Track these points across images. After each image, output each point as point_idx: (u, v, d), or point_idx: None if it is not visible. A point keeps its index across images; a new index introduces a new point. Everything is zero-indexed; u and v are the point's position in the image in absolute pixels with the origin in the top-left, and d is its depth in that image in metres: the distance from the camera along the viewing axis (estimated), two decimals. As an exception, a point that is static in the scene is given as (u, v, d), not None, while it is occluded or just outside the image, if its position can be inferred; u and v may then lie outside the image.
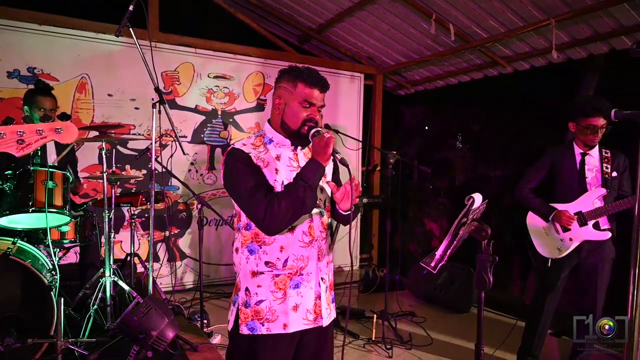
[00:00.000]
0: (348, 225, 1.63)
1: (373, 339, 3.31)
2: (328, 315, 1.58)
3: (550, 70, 4.24)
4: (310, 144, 1.49)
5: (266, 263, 1.48)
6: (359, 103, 5.50)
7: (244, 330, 1.48)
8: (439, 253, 1.36)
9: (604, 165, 2.60)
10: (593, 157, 2.64)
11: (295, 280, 1.49)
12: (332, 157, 1.48)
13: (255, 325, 1.47)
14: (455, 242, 1.35)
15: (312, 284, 1.52)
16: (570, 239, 2.60)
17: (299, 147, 1.57)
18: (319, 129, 1.47)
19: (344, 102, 5.39)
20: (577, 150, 2.65)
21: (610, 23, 3.48)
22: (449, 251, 1.35)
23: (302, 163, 1.53)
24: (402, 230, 5.68)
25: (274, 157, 1.51)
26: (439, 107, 5.93)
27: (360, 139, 5.38)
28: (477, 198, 1.46)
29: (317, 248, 1.53)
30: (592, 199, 2.57)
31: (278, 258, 1.47)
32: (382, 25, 4.51)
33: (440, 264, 1.35)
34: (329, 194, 1.62)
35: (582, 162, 2.64)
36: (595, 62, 4.02)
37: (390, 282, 3.66)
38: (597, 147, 2.64)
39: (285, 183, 1.47)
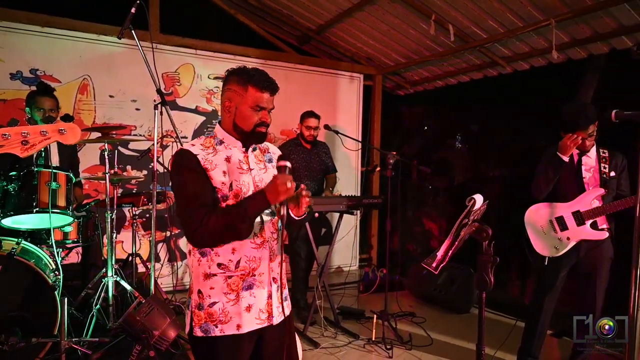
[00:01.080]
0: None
1: (373, 339, 3.32)
2: (279, 314, 1.59)
3: (550, 71, 4.26)
4: (262, 145, 1.59)
5: (218, 265, 1.48)
6: (358, 103, 5.52)
7: (198, 332, 1.49)
8: (440, 254, 1.37)
9: (602, 165, 2.61)
10: (590, 157, 2.66)
11: (248, 281, 1.50)
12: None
13: (209, 327, 1.48)
14: (456, 243, 1.36)
15: (264, 284, 1.53)
16: (568, 238, 2.62)
17: (250, 149, 1.57)
18: (287, 164, 1.43)
19: (344, 103, 5.40)
20: (575, 151, 2.67)
21: (611, 23, 3.49)
22: (451, 252, 1.37)
23: (253, 165, 1.55)
24: (401, 230, 5.70)
25: (223, 158, 1.51)
26: (438, 107, 5.95)
27: (360, 140, 5.40)
28: (478, 199, 1.47)
29: (268, 249, 1.54)
30: (590, 198, 2.59)
31: (230, 260, 1.47)
32: (382, 25, 4.52)
33: (442, 265, 1.37)
34: None
35: (579, 163, 2.66)
36: (595, 62, 4.04)
37: (390, 283, 3.68)
38: (594, 147, 2.66)
39: (234, 185, 1.47)
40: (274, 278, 1.57)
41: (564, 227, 2.64)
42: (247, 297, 1.50)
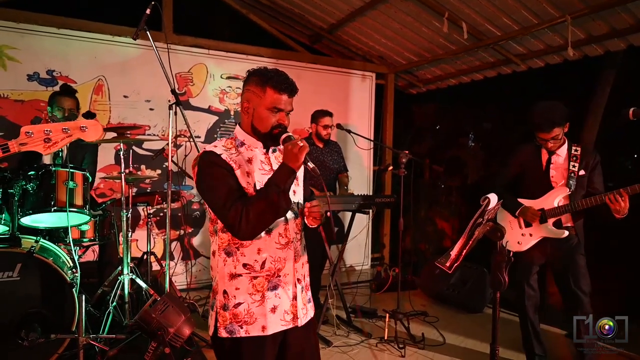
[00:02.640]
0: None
1: (385, 338, 3.32)
2: (304, 315, 1.59)
3: (566, 68, 4.19)
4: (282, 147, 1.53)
5: (244, 265, 1.48)
6: (370, 102, 5.50)
7: (223, 333, 1.48)
8: (454, 253, 1.37)
9: (572, 163, 2.60)
10: (560, 156, 2.65)
11: (273, 282, 1.50)
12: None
13: (234, 328, 1.47)
14: (470, 242, 1.36)
15: (289, 285, 1.53)
16: (530, 235, 2.66)
17: (271, 150, 1.58)
18: (290, 134, 1.45)
19: (356, 102, 5.39)
20: (545, 150, 2.67)
21: (628, 19, 3.42)
22: (464, 251, 1.36)
23: (275, 166, 1.54)
24: (413, 229, 5.67)
25: (246, 159, 1.51)
26: (451, 105, 5.90)
27: (372, 139, 5.38)
28: (493, 198, 1.46)
29: (293, 249, 1.54)
30: (554, 197, 2.59)
31: (256, 260, 1.48)
32: (394, 24, 4.50)
33: (456, 264, 1.36)
34: (302, 197, 1.64)
35: (548, 162, 2.66)
36: (612, 58, 3.96)
37: (402, 282, 3.66)
38: (565, 145, 2.64)
39: (258, 186, 1.47)
40: (298, 279, 1.57)
41: (527, 223, 2.68)
42: (272, 298, 1.50)
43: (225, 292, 1.50)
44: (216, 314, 1.51)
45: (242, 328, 1.47)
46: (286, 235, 1.52)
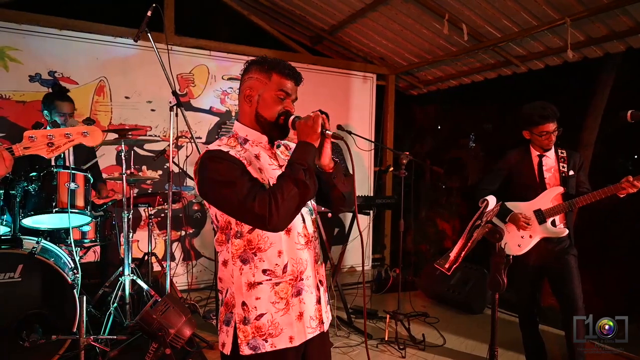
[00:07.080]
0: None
1: (386, 339, 3.32)
2: (327, 319, 1.50)
3: (566, 70, 4.20)
4: (288, 135, 1.45)
5: (264, 271, 1.35)
6: (371, 103, 5.51)
7: (246, 350, 1.33)
8: (453, 255, 1.38)
9: (561, 164, 2.65)
10: (550, 158, 2.68)
11: (297, 287, 1.38)
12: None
13: (258, 343, 1.33)
14: (469, 244, 1.36)
15: (311, 288, 1.42)
16: (530, 236, 2.65)
17: (276, 145, 1.49)
18: (297, 115, 1.39)
19: (356, 103, 5.40)
20: (534, 153, 2.70)
21: (627, 21, 3.43)
22: (463, 253, 1.37)
23: (282, 162, 1.45)
24: (414, 230, 5.68)
25: (253, 156, 1.40)
26: (451, 107, 5.92)
27: (373, 140, 5.39)
28: (491, 200, 1.47)
29: (312, 249, 1.44)
30: (550, 197, 2.61)
31: (277, 264, 1.36)
32: (394, 25, 4.51)
33: (454, 266, 1.37)
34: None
35: (540, 164, 2.69)
36: (611, 60, 3.97)
37: (403, 282, 3.67)
38: (552, 148, 2.69)
39: (271, 183, 1.34)
40: (320, 281, 1.47)
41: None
42: (297, 305, 1.38)
43: (244, 303, 1.35)
44: (235, 329, 1.35)
45: (267, 342, 1.34)
46: (305, 234, 1.42)
